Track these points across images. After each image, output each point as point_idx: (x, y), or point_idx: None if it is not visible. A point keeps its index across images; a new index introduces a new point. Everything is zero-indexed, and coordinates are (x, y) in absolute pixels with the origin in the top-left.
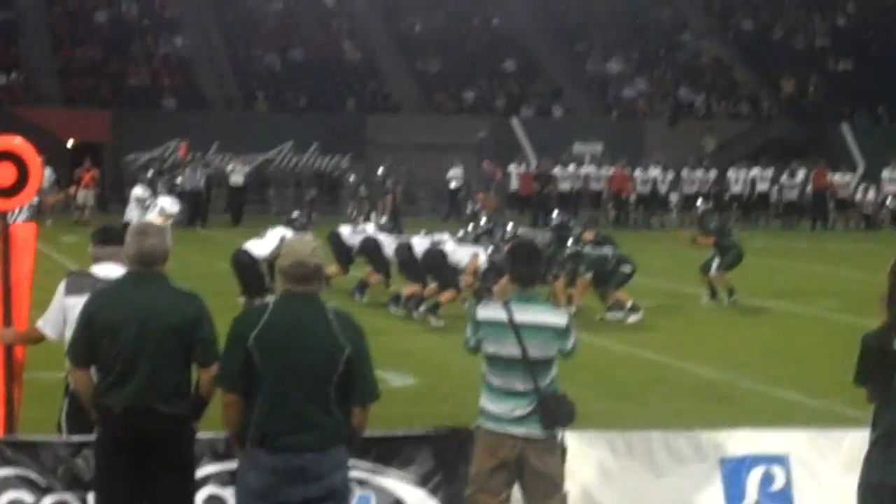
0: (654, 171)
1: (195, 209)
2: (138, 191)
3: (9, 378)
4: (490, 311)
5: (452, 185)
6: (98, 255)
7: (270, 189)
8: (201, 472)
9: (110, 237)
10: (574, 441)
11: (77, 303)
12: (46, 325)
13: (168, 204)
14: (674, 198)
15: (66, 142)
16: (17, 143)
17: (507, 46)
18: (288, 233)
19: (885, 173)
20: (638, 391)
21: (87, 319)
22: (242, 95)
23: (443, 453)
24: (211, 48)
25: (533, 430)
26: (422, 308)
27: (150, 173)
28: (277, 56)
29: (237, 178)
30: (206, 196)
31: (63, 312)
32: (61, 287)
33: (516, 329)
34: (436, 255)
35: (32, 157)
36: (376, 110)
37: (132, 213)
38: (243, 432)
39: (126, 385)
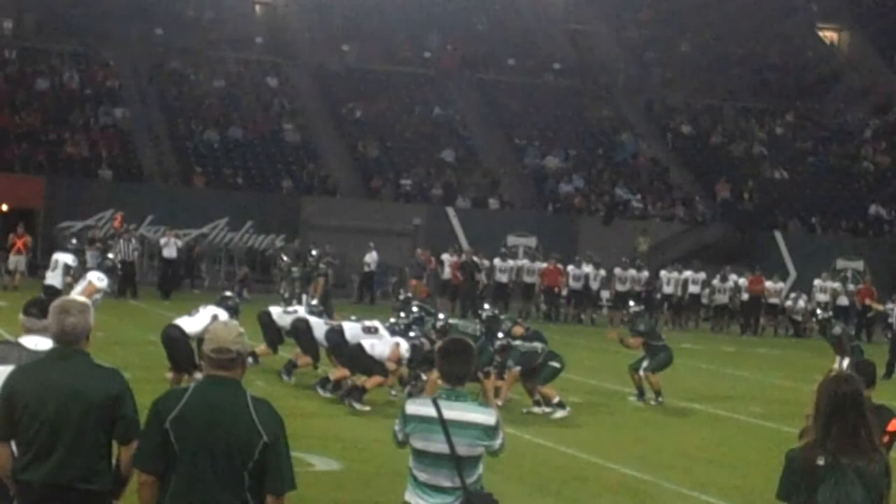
0: (587, 268)
1: (126, 280)
2: (67, 258)
3: None
4: (419, 407)
5: (367, 268)
6: (30, 327)
7: (203, 264)
8: None
9: (42, 310)
10: None
11: (2, 373)
12: None
13: (96, 278)
14: (605, 295)
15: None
16: None
17: (446, 136)
18: (220, 312)
19: (817, 283)
20: (561, 488)
21: (8, 395)
22: (180, 170)
23: None
24: (151, 121)
25: None
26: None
27: (75, 241)
28: (217, 133)
29: (170, 252)
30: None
31: None
32: None
33: (444, 426)
34: (356, 350)
35: None
36: (313, 192)
37: (56, 279)
38: None
39: (45, 461)
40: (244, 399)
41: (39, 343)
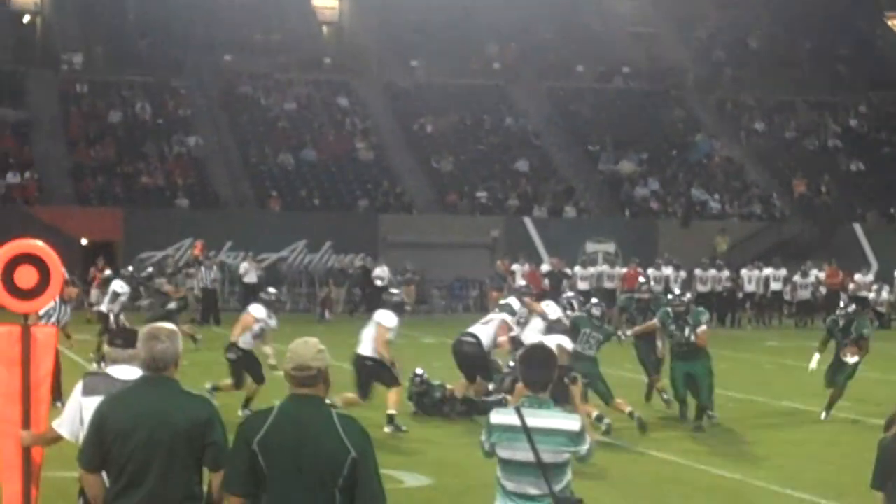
0: (667, 270)
1: (209, 307)
2: (117, 285)
3: (27, 479)
4: (502, 416)
5: (378, 283)
6: (116, 358)
7: (284, 287)
8: None
9: (126, 340)
10: None
11: (94, 404)
12: (62, 425)
13: (118, 286)
14: (687, 297)
15: (79, 240)
16: (38, 245)
17: (519, 146)
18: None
19: None
20: (654, 492)
21: (98, 424)
22: (255, 194)
23: None
24: (224, 148)
25: None
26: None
27: (130, 269)
28: (291, 155)
29: (251, 277)
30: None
31: (79, 413)
32: (78, 387)
33: (528, 434)
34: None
35: (53, 260)
36: (389, 209)
37: (111, 305)
38: None
39: (137, 490)
40: (330, 416)
41: (127, 372)
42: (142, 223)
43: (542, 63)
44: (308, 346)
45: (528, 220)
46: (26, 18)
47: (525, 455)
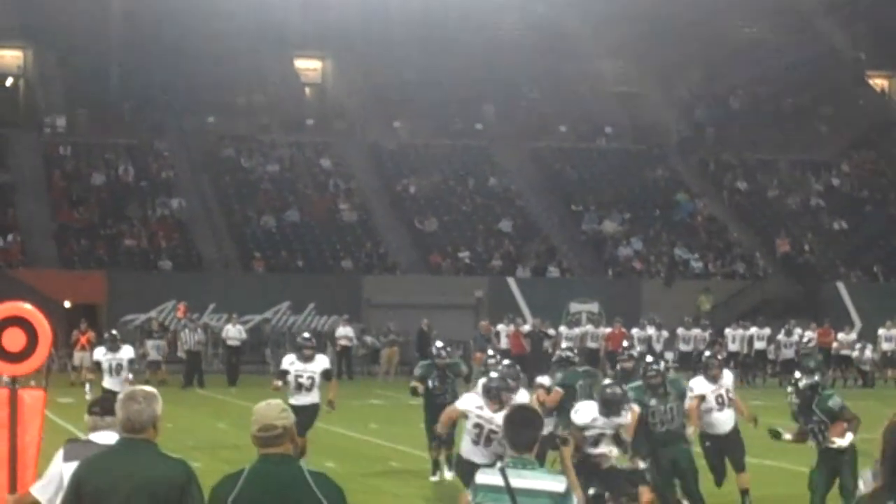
0: (650, 330)
1: (193, 369)
2: (97, 353)
3: None
4: (487, 476)
5: (343, 342)
6: (95, 425)
7: (267, 349)
8: None
9: (104, 408)
10: None
11: (70, 469)
12: (40, 489)
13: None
14: (669, 356)
15: (62, 303)
16: (26, 308)
17: (503, 206)
18: None
19: (882, 332)
20: None
21: (76, 486)
22: (239, 256)
23: None
24: (207, 210)
25: None
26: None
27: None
28: (273, 217)
29: (234, 339)
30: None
31: (59, 479)
32: (60, 454)
33: (512, 494)
34: None
35: (41, 323)
36: (373, 270)
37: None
38: None
39: None
40: (301, 471)
41: (108, 438)
42: (125, 286)
43: (526, 123)
44: (271, 407)
45: (511, 281)
46: (9, 81)
47: None
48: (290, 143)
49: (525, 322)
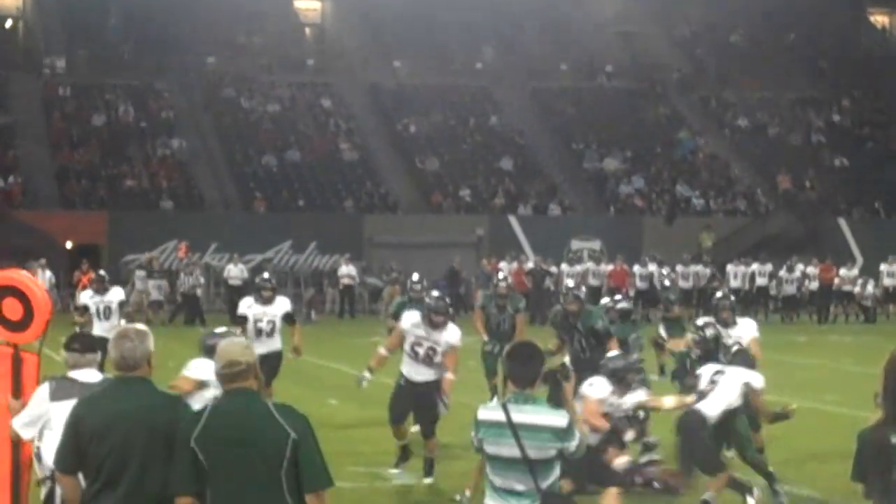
0: (652, 267)
1: (193, 310)
2: (84, 296)
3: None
4: (489, 412)
5: (346, 281)
6: (76, 362)
7: None
8: None
9: (84, 345)
10: None
11: (64, 409)
12: (23, 427)
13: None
14: (671, 293)
15: (64, 244)
16: (20, 279)
17: (503, 145)
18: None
19: (884, 267)
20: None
21: (74, 425)
22: (240, 196)
23: None
24: (208, 150)
25: None
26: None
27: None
28: (275, 157)
29: (235, 279)
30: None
31: (45, 417)
32: (45, 393)
33: (514, 429)
34: None
35: (34, 294)
36: (374, 210)
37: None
38: None
39: (114, 490)
40: (265, 405)
41: (89, 376)
42: (126, 226)
43: (526, 62)
44: (235, 344)
45: (513, 219)
46: (8, 23)
47: (511, 451)
48: (290, 83)
49: (527, 260)
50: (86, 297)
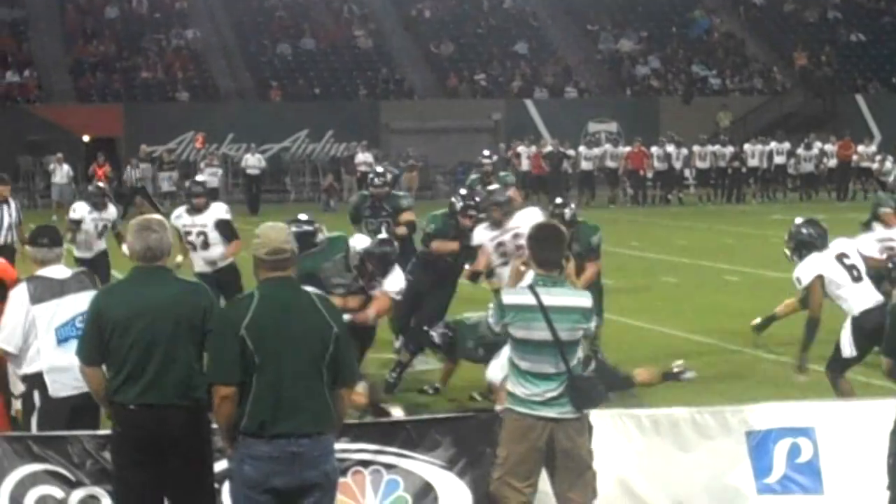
0: (670, 148)
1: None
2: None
3: None
4: (517, 296)
5: (361, 169)
6: (45, 258)
7: (287, 178)
8: (220, 464)
9: (54, 239)
10: (600, 420)
11: (45, 309)
12: (4, 340)
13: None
14: (688, 173)
15: (80, 137)
16: None
17: (518, 28)
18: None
19: None
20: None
21: (96, 317)
22: (256, 86)
23: (468, 436)
24: (222, 40)
25: (564, 411)
26: None
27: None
28: (289, 46)
29: (253, 168)
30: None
31: (25, 322)
32: (22, 297)
33: (545, 312)
34: None
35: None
36: (390, 96)
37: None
38: (235, 424)
39: (139, 380)
40: (308, 295)
41: (61, 272)
42: (142, 118)
43: None
44: (278, 230)
45: (528, 102)
46: None
47: (542, 334)
48: None
49: (545, 143)
50: (81, 210)
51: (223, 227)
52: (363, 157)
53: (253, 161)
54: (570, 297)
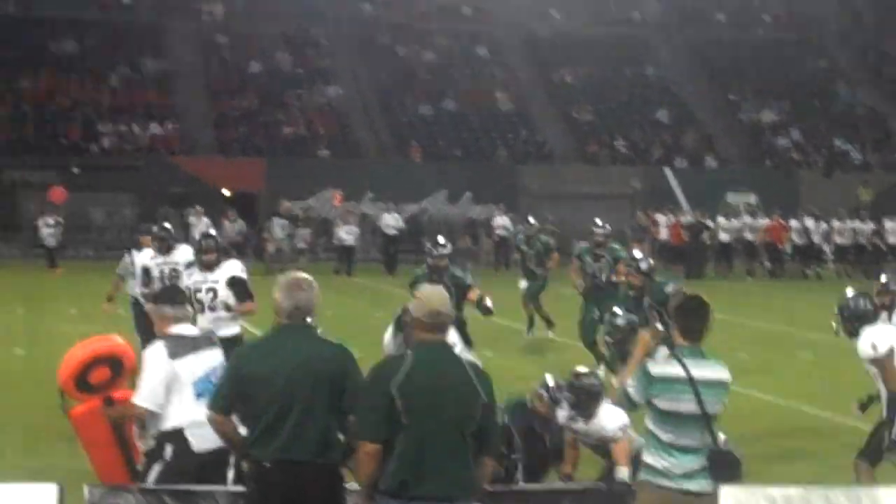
0: (809, 222)
1: (342, 259)
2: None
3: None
4: (665, 367)
5: (498, 233)
6: (178, 316)
7: (424, 237)
8: None
9: (183, 298)
10: (733, 496)
11: (184, 365)
12: (146, 399)
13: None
14: (828, 248)
15: (221, 190)
16: (118, 346)
17: (659, 96)
18: None
19: None
20: (784, 442)
21: (235, 371)
22: (396, 144)
23: None
24: (364, 98)
25: (703, 485)
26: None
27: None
28: (431, 106)
29: (391, 228)
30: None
31: (170, 378)
32: (160, 355)
33: (693, 384)
34: None
35: (130, 358)
36: (529, 160)
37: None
38: (376, 482)
39: (276, 437)
40: (461, 361)
41: (191, 330)
42: (283, 173)
43: (683, 12)
44: (438, 294)
45: (668, 171)
46: None
47: (689, 406)
48: (446, 31)
49: (684, 213)
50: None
51: (237, 285)
52: (501, 220)
53: (390, 221)
54: (716, 370)
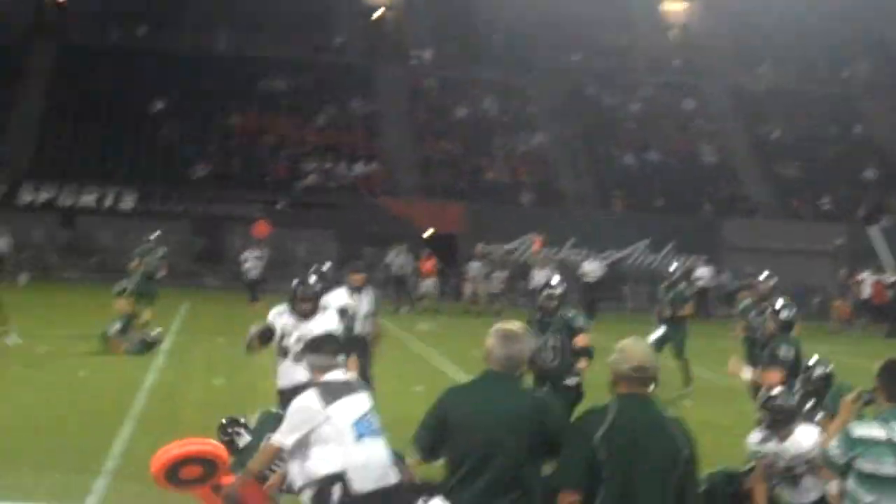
0: None
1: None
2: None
3: None
4: (868, 429)
5: (699, 283)
6: (332, 365)
7: (625, 286)
8: None
9: (339, 347)
10: None
11: (340, 408)
12: (286, 436)
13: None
14: None
15: (422, 232)
16: (212, 448)
17: (867, 154)
18: None
19: None
20: None
21: (443, 415)
22: (599, 193)
23: None
24: (568, 146)
25: None
26: None
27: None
28: (635, 157)
29: (590, 276)
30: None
31: (317, 420)
32: (311, 401)
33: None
34: None
35: (223, 460)
36: (732, 213)
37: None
38: None
39: (475, 483)
40: (661, 414)
41: (341, 375)
42: (484, 217)
43: (893, 71)
44: (642, 346)
45: (872, 230)
46: (378, 13)
47: (890, 469)
48: (653, 82)
49: (889, 273)
50: (342, 296)
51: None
52: (702, 271)
53: (590, 268)
54: None
